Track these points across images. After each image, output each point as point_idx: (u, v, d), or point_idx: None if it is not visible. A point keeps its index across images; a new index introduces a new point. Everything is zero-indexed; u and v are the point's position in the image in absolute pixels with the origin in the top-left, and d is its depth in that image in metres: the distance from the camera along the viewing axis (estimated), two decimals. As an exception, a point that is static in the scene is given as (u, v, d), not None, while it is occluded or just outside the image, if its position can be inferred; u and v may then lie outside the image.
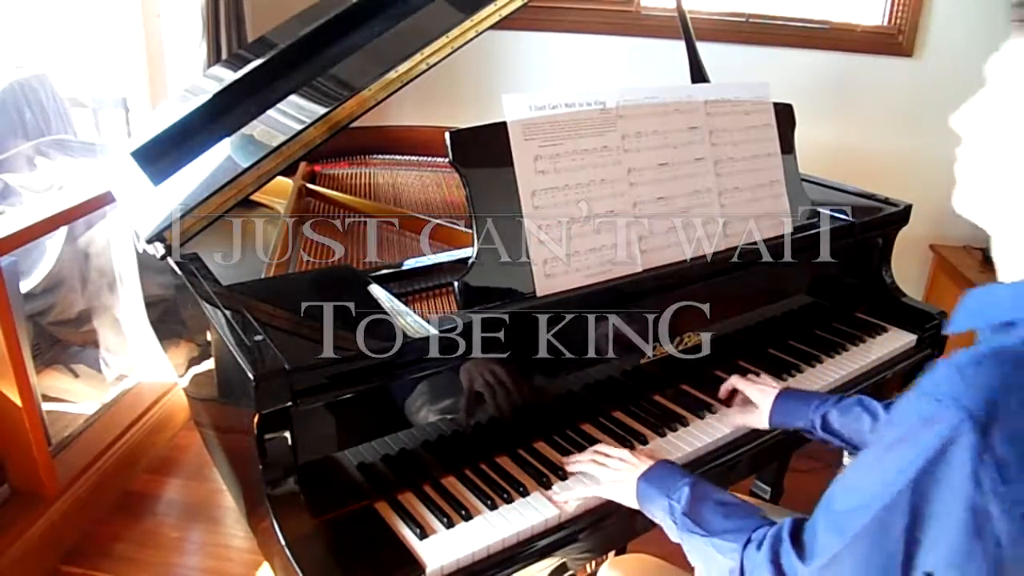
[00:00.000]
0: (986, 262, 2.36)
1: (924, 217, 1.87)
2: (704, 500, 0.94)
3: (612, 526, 1.11)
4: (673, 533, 0.96)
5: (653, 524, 1.14)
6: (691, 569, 1.15)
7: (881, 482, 0.67)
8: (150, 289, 1.69)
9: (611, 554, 1.43)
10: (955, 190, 0.75)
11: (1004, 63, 0.69)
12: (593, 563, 1.56)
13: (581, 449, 1.19)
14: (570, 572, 1.33)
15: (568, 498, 1.09)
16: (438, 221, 1.62)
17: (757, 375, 1.31)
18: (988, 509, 0.61)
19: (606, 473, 1.08)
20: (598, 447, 1.14)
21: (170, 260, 1.25)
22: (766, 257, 1.42)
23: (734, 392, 1.30)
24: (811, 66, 2.52)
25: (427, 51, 1.31)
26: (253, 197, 1.39)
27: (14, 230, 1.75)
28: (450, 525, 1.03)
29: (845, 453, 1.18)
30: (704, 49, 1.80)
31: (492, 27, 1.37)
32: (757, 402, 1.23)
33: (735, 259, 1.38)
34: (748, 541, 0.85)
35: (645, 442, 1.22)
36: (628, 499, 1.04)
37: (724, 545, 0.87)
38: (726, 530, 0.89)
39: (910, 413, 0.67)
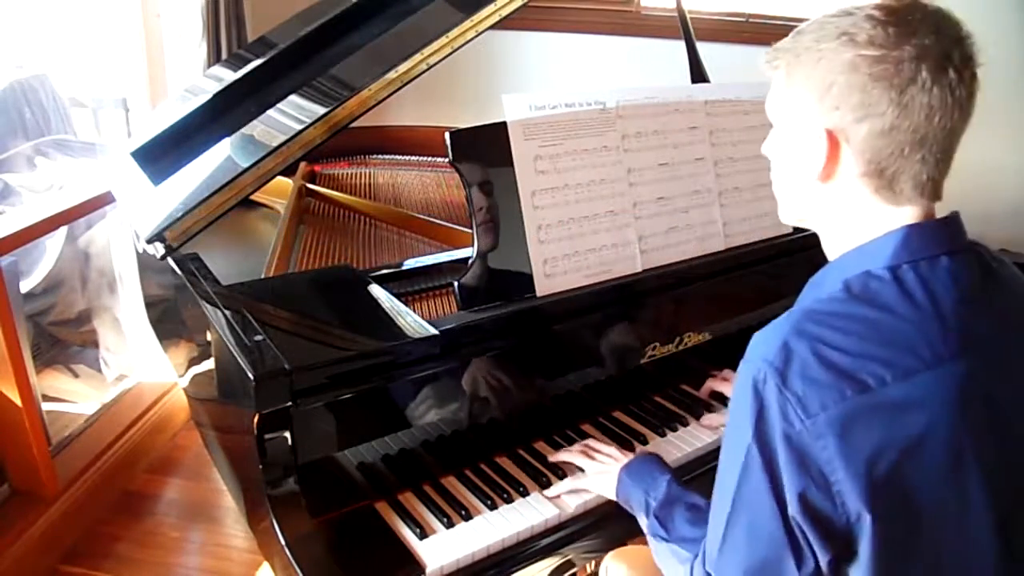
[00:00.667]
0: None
1: (924, 217, 1.87)
2: (677, 502, 0.95)
3: (613, 526, 1.11)
4: (648, 528, 0.98)
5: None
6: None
7: (733, 453, 0.74)
8: (150, 289, 1.69)
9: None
10: (778, 205, 0.87)
11: (772, 101, 0.82)
12: (594, 562, 1.56)
13: (581, 449, 1.19)
14: (573, 570, 1.33)
15: (557, 492, 1.09)
16: (438, 221, 1.62)
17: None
18: (803, 442, 0.69)
19: (592, 465, 1.10)
20: (589, 441, 1.16)
21: (170, 260, 1.25)
22: (766, 257, 1.42)
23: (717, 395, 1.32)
24: (811, 66, 2.52)
25: (427, 51, 1.31)
26: (253, 197, 1.39)
27: (14, 230, 1.75)
28: (450, 525, 1.03)
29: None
30: (704, 49, 1.80)
31: (492, 27, 1.37)
32: None
33: (735, 259, 1.38)
34: (699, 554, 0.86)
35: (645, 442, 1.22)
36: (609, 490, 1.05)
37: (680, 553, 0.90)
38: (686, 538, 0.91)
39: (736, 386, 0.75)
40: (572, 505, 1.09)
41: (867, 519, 0.68)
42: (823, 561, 0.71)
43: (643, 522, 0.98)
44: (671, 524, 0.93)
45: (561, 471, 1.14)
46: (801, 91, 0.76)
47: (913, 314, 0.72)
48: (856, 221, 0.78)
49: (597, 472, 1.08)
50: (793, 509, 0.70)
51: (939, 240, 0.75)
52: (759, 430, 0.71)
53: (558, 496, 1.09)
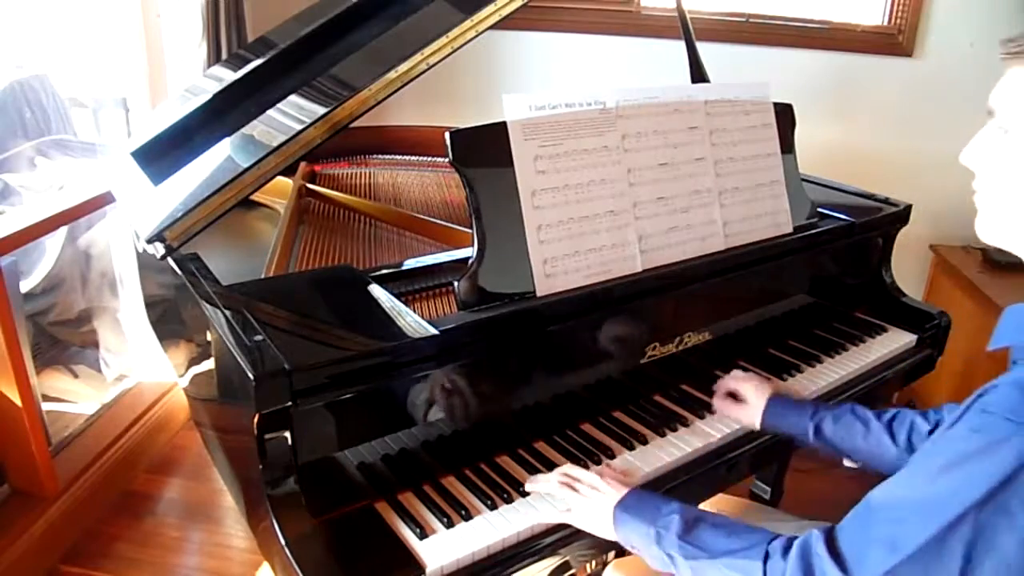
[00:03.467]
0: (986, 262, 2.36)
1: (924, 217, 1.87)
2: (699, 524, 0.90)
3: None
4: (657, 561, 0.92)
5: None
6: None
7: (945, 500, 0.66)
8: (150, 289, 1.69)
9: (612, 554, 1.43)
10: (978, 219, 0.77)
11: (1006, 95, 0.71)
12: (594, 563, 1.56)
13: (581, 449, 1.19)
14: (572, 571, 1.33)
15: (535, 522, 1.04)
16: (438, 221, 1.62)
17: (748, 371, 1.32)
18: None
19: (576, 499, 1.02)
20: (567, 469, 1.07)
21: (170, 260, 1.25)
22: (766, 257, 1.42)
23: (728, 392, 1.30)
24: (811, 66, 2.52)
25: (427, 51, 1.31)
26: (253, 197, 1.39)
27: (14, 230, 1.75)
28: (450, 525, 1.03)
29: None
30: (704, 49, 1.80)
31: (492, 27, 1.37)
32: (749, 398, 1.24)
33: (735, 259, 1.38)
34: (767, 556, 0.81)
35: (645, 442, 1.22)
36: (601, 528, 0.99)
37: (739, 564, 0.83)
38: (735, 548, 0.85)
39: (976, 432, 0.66)
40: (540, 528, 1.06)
41: None
42: None
43: (650, 554, 0.93)
44: (705, 544, 0.87)
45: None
46: None
47: None
48: None
49: (584, 509, 1.01)
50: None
51: None
52: (994, 497, 0.63)
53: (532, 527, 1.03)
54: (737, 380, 1.28)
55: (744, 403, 1.25)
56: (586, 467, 1.14)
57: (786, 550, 0.80)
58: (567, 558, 1.10)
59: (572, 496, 1.03)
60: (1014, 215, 0.74)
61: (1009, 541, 0.63)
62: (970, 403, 0.70)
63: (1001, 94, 0.71)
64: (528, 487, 1.09)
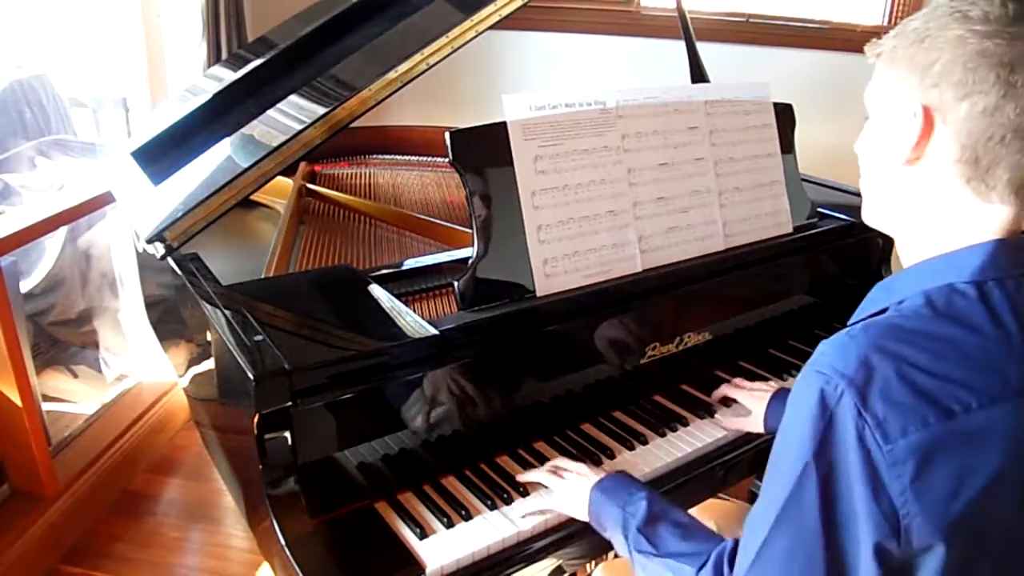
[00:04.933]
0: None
1: (924, 217, 1.86)
2: (662, 519, 0.91)
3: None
4: (622, 547, 0.93)
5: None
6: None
7: (787, 466, 0.68)
8: (150, 289, 1.69)
9: (610, 555, 1.43)
10: (862, 205, 0.84)
11: (869, 88, 0.78)
12: (590, 565, 1.56)
13: (581, 449, 1.19)
14: (572, 570, 1.33)
15: (523, 512, 1.05)
16: (438, 221, 1.62)
17: (751, 380, 1.32)
18: (878, 470, 0.64)
19: (559, 484, 1.05)
20: (557, 461, 1.10)
21: (170, 260, 1.25)
22: (766, 257, 1.42)
23: (727, 400, 1.31)
24: (811, 66, 2.52)
25: (427, 51, 1.31)
26: (253, 197, 1.39)
27: (14, 230, 1.75)
28: (450, 525, 1.03)
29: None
30: (704, 49, 1.80)
31: (492, 27, 1.37)
32: (751, 407, 1.24)
33: (735, 259, 1.38)
34: (704, 564, 0.83)
35: (645, 442, 1.22)
36: (580, 510, 1.01)
37: (679, 567, 0.85)
38: (682, 552, 0.86)
39: (800, 395, 0.70)
40: (528, 522, 1.05)
41: (939, 549, 0.64)
42: None
43: (617, 540, 0.94)
44: (659, 540, 0.89)
45: (562, 471, 1.14)
46: (901, 72, 0.72)
47: (1000, 337, 0.67)
48: (940, 217, 0.73)
49: (565, 491, 1.04)
50: (846, 536, 0.66)
51: None
52: (822, 449, 0.66)
53: (524, 516, 1.05)
54: (733, 389, 1.28)
55: (745, 413, 1.25)
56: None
57: (710, 561, 0.82)
58: (562, 560, 1.10)
59: (557, 482, 1.06)
60: (874, 190, 0.80)
61: (853, 489, 0.65)
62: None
63: (868, 91, 0.79)
64: (520, 478, 1.11)
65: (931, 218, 0.74)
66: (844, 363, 0.67)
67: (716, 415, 1.29)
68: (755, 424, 1.22)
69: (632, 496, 0.95)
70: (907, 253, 0.78)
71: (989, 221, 0.71)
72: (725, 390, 1.30)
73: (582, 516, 1.02)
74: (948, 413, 0.64)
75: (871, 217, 0.83)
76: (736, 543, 0.79)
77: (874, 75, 0.77)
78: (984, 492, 0.65)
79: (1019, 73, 0.65)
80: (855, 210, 1.63)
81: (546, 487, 1.08)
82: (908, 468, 0.64)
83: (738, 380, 1.31)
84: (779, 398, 1.21)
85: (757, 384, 1.29)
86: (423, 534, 1.01)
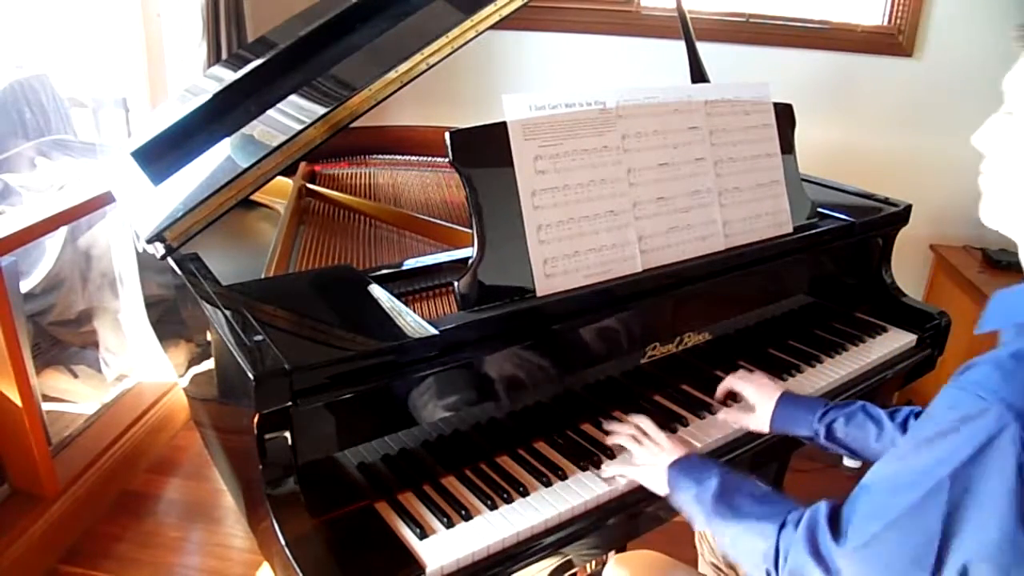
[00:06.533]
0: (986, 262, 2.36)
1: (924, 217, 1.87)
2: (737, 488, 0.95)
3: (613, 526, 1.11)
4: (699, 521, 0.97)
5: (655, 523, 1.14)
6: (696, 564, 1.15)
7: (922, 471, 0.69)
8: (150, 289, 1.69)
9: (611, 553, 1.43)
10: (981, 202, 0.78)
11: (1014, 79, 0.73)
12: (594, 562, 1.56)
13: (581, 449, 1.19)
14: (573, 570, 1.33)
15: (608, 475, 1.11)
16: (438, 221, 1.62)
17: (750, 371, 1.31)
18: None
19: (641, 453, 1.10)
20: (641, 422, 1.15)
21: (170, 260, 1.25)
22: (766, 257, 1.42)
23: (731, 394, 1.30)
24: (811, 66, 2.52)
25: (427, 51, 1.31)
26: (253, 197, 1.39)
27: (14, 230, 1.75)
28: (450, 525, 1.03)
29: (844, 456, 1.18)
30: (704, 49, 1.80)
31: (492, 27, 1.37)
32: (756, 403, 1.22)
33: (735, 259, 1.38)
34: (783, 524, 0.85)
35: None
36: (657, 485, 1.05)
37: (759, 527, 0.87)
38: (760, 514, 0.89)
39: (952, 409, 0.69)
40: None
41: None
42: None
43: (694, 513, 0.97)
44: (737, 506, 0.92)
45: (561, 470, 1.14)
46: None
47: None
48: None
49: (646, 464, 1.08)
50: (972, 556, 0.67)
51: None
52: (966, 470, 0.66)
53: (612, 477, 1.11)
54: (738, 381, 1.27)
55: (750, 410, 1.24)
56: (585, 468, 1.15)
57: (800, 520, 0.83)
58: (568, 558, 1.10)
59: (639, 450, 1.10)
60: (1013, 197, 0.76)
61: (982, 513, 0.66)
62: (950, 382, 0.73)
63: (1011, 78, 0.73)
64: (608, 441, 1.17)
65: None
66: (1011, 391, 0.65)
67: (718, 413, 1.28)
68: (760, 422, 1.21)
69: (707, 472, 0.98)
70: None
71: None
72: (730, 382, 1.28)
73: (658, 490, 1.05)
74: None
75: (996, 220, 0.79)
76: (831, 508, 0.80)
77: (1021, 62, 0.72)
78: None
79: None
80: (855, 210, 1.63)
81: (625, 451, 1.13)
82: None
83: (741, 372, 1.30)
84: (786, 401, 1.19)
85: (759, 375, 1.28)
86: (423, 534, 1.01)
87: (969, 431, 0.66)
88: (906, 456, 0.73)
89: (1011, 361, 0.67)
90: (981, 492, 0.66)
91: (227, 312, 1.07)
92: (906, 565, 0.70)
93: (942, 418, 0.70)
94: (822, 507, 0.81)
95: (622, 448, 1.15)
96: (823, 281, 1.62)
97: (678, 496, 1.01)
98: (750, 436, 1.26)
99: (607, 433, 1.19)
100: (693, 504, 0.98)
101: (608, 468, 1.13)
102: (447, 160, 1.14)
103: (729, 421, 1.25)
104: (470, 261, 1.13)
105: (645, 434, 1.13)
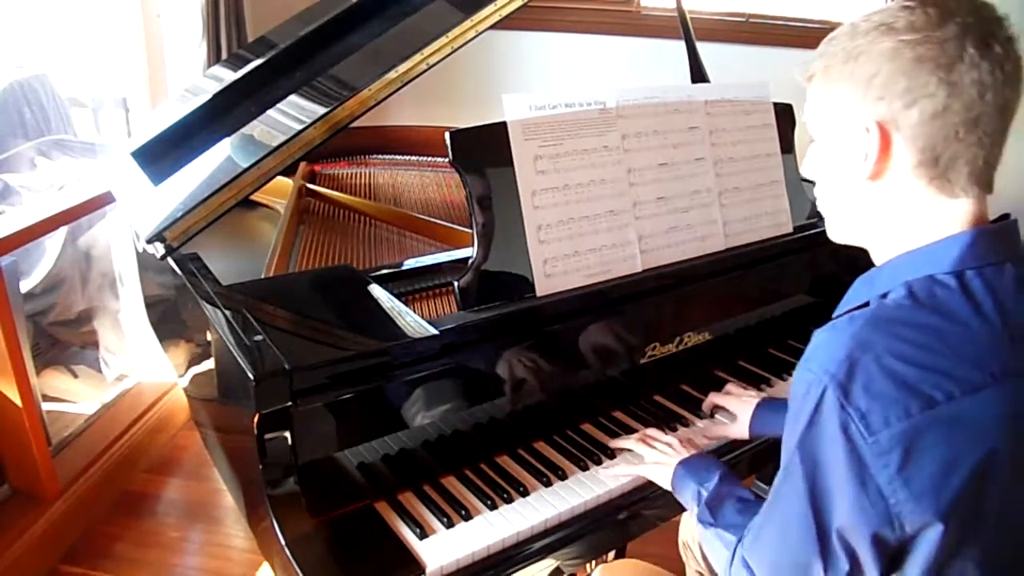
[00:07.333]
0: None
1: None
2: (727, 495, 0.96)
3: (609, 528, 1.11)
4: (695, 518, 0.99)
5: (648, 527, 1.14)
6: (683, 573, 1.16)
7: (785, 453, 0.75)
8: (150, 289, 1.69)
9: (611, 555, 1.43)
10: (826, 223, 0.85)
11: (808, 110, 0.81)
12: (589, 566, 1.56)
13: (581, 449, 1.19)
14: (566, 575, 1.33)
15: (615, 473, 1.13)
16: (438, 221, 1.62)
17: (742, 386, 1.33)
18: (864, 461, 0.67)
19: (651, 454, 1.11)
20: (648, 431, 1.17)
21: (170, 260, 1.25)
22: (766, 257, 1.42)
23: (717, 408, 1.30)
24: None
25: (427, 51, 1.31)
26: (253, 197, 1.39)
27: (14, 230, 1.75)
28: (450, 525, 1.03)
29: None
30: (704, 49, 1.80)
31: (492, 27, 1.37)
32: (737, 412, 1.23)
33: (735, 259, 1.38)
34: (743, 536, 0.87)
35: (645, 442, 1.22)
36: (664, 481, 1.07)
37: (725, 537, 0.90)
38: (734, 524, 0.91)
39: (794, 391, 0.73)
40: (619, 481, 1.12)
41: (934, 531, 0.67)
42: (871, 574, 0.70)
43: (693, 513, 1.00)
44: (719, 512, 0.94)
45: (561, 470, 1.14)
46: (841, 91, 0.75)
47: (981, 325, 0.70)
48: (910, 221, 0.75)
49: (655, 462, 1.10)
50: (840, 522, 0.70)
51: (1005, 246, 0.73)
52: (806, 439, 0.70)
53: (615, 477, 1.13)
54: (721, 396, 1.28)
55: (732, 418, 1.25)
56: (586, 468, 1.15)
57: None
58: (560, 562, 1.10)
59: (648, 451, 1.12)
60: (838, 209, 0.82)
61: (832, 478, 0.69)
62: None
63: (807, 113, 0.81)
64: (613, 444, 1.19)
65: (901, 223, 0.76)
66: (828, 358, 0.69)
67: (706, 421, 1.28)
68: (739, 430, 1.22)
69: (709, 473, 1.00)
70: (882, 258, 0.80)
71: (958, 215, 0.74)
72: (714, 399, 1.29)
73: (666, 486, 1.07)
74: (931, 402, 0.66)
75: (839, 235, 0.85)
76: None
77: (810, 98, 0.80)
78: (974, 476, 0.67)
79: (956, 71, 0.68)
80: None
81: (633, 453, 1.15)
82: (894, 457, 0.66)
83: (728, 387, 1.31)
84: (765, 406, 1.21)
85: (738, 389, 1.30)
86: (423, 534, 1.01)
87: (805, 404, 0.70)
88: (783, 447, 0.77)
89: (829, 332, 0.72)
90: (824, 459, 0.70)
91: (227, 312, 1.07)
92: (794, 545, 0.73)
93: (792, 402, 0.74)
94: (757, 517, 0.84)
95: (623, 450, 1.16)
96: (823, 281, 1.62)
97: (682, 493, 1.03)
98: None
99: (612, 444, 1.20)
100: (692, 503, 1.00)
101: (614, 467, 1.14)
102: (447, 160, 1.14)
103: (708, 434, 1.24)
104: (470, 261, 1.13)
105: (654, 439, 1.15)
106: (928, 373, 0.67)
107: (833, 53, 0.75)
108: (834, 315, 0.81)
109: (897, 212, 0.76)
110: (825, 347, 0.71)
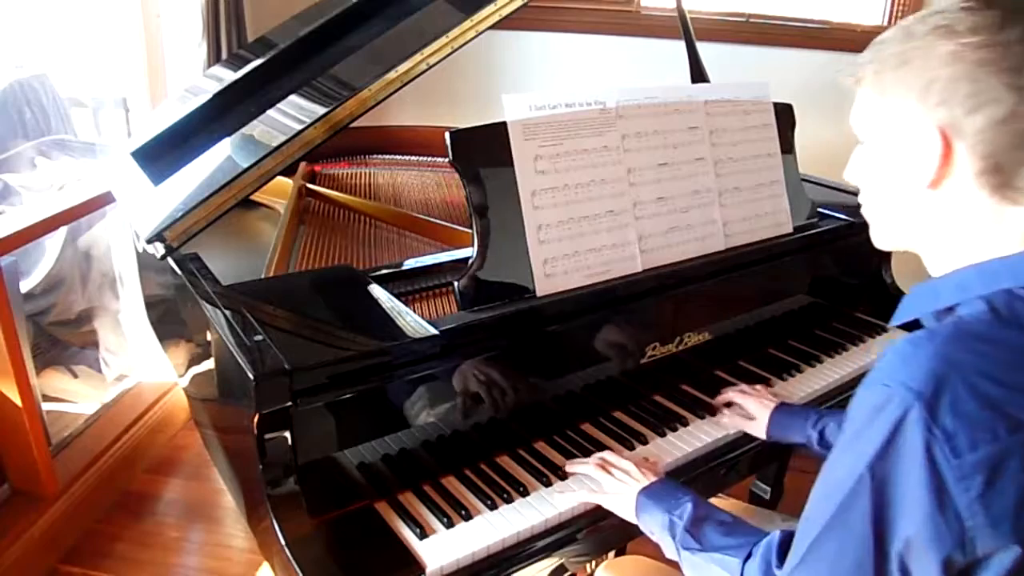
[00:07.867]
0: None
1: (924, 217, 1.86)
2: (707, 518, 0.94)
3: (611, 527, 1.11)
4: (670, 549, 0.96)
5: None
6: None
7: (843, 474, 0.69)
8: (150, 289, 1.69)
9: (611, 554, 1.43)
10: (871, 230, 0.82)
11: (855, 114, 0.78)
12: (591, 564, 1.56)
13: (581, 449, 1.19)
14: (568, 573, 1.33)
15: (568, 503, 1.08)
16: (438, 221, 1.62)
17: (760, 388, 1.31)
18: (945, 484, 0.63)
19: (609, 482, 1.08)
20: (604, 454, 1.13)
21: (170, 260, 1.25)
22: (766, 257, 1.42)
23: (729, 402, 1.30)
24: (811, 66, 2.52)
25: (427, 51, 1.31)
26: (253, 197, 1.39)
27: (14, 230, 1.75)
28: (450, 525, 1.03)
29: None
30: (704, 49, 1.80)
31: (492, 27, 1.37)
32: (755, 413, 1.24)
33: (735, 259, 1.38)
34: (749, 555, 0.85)
35: (645, 442, 1.22)
36: (626, 511, 1.04)
37: (725, 560, 0.88)
38: (727, 546, 0.89)
39: (863, 405, 0.69)
40: (566, 508, 1.08)
41: (1011, 553, 0.64)
42: None
43: (665, 542, 0.97)
44: (704, 537, 0.92)
45: (562, 470, 1.14)
46: (897, 96, 0.72)
47: None
48: (972, 230, 0.72)
49: (615, 492, 1.06)
50: (905, 546, 0.66)
51: None
52: (880, 458, 0.66)
53: (568, 503, 1.08)
54: (739, 395, 1.28)
55: (750, 418, 1.25)
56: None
57: (760, 551, 0.84)
58: (564, 559, 1.10)
59: (606, 479, 1.08)
60: (891, 216, 0.79)
61: (905, 501, 0.66)
62: (862, 383, 0.73)
63: (854, 116, 0.79)
64: (568, 468, 1.13)
65: (962, 232, 0.73)
66: (910, 374, 0.65)
67: (717, 414, 1.29)
68: (758, 429, 1.23)
69: (678, 500, 0.98)
70: (938, 267, 0.76)
71: (1021, 221, 0.71)
72: (731, 395, 1.29)
73: (628, 517, 1.03)
74: (1018, 425, 0.64)
75: (888, 242, 0.81)
76: (784, 535, 0.81)
77: (860, 101, 0.77)
78: None
79: (1023, 75, 0.66)
80: (855, 210, 1.63)
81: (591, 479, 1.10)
82: (977, 481, 0.63)
83: (744, 386, 1.31)
84: (782, 411, 1.21)
85: (762, 391, 1.29)
86: (423, 534, 1.01)
87: (879, 421, 0.66)
88: (832, 464, 0.73)
89: (908, 346, 0.68)
90: (899, 480, 0.66)
91: (227, 312, 1.07)
92: (848, 570, 0.69)
93: (857, 417, 0.70)
94: (776, 535, 0.82)
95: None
96: (823, 281, 1.62)
97: (647, 522, 1.00)
98: (750, 437, 1.26)
99: (565, 472, 1.14)
100: (663, 532, 0.97)
101: (571, 495, 1.09)
102: (447, 160, 1.14)
103: (728, 422, 1.26)
104: (470, 261, 1.13)
105: (611, 464, 1.10)
106: (1015, 393, 0.64)
107: (885, 58, 0.72)
108: (891, 323, 0.78)
109: (958, 221, 0.73)
110: (903, 362, 0.67)
